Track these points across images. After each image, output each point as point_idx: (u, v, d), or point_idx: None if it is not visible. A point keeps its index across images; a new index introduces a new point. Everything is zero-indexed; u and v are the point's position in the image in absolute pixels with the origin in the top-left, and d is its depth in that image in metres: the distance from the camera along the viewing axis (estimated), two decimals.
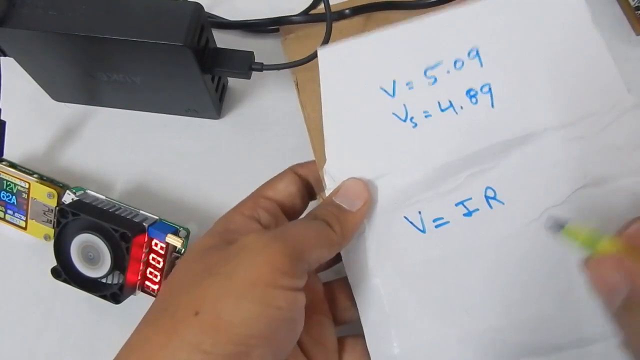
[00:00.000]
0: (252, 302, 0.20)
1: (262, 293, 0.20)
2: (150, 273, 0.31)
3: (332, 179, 0.27)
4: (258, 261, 0.21)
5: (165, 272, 0.31)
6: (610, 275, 0.17)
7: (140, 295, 0.31)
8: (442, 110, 0.27)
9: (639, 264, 0.17)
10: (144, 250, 0.30)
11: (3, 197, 0.34)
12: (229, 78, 0.38)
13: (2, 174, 0.33)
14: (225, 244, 0.23)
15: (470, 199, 0.26)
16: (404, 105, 0.27)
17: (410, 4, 0.37)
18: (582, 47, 0.27)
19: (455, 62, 0.27)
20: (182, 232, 0.31)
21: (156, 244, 0.30)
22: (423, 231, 0.26)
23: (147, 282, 0.31)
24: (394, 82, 0.27)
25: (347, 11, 0.37)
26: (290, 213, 0.28)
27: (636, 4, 0.38)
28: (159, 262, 0.31)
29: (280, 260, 0.21)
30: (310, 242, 0.23)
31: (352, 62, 0.28)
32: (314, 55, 0.33)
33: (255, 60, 0.34)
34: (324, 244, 0.23)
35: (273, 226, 0.26)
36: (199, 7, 0.31)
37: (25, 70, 0.35)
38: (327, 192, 0.27)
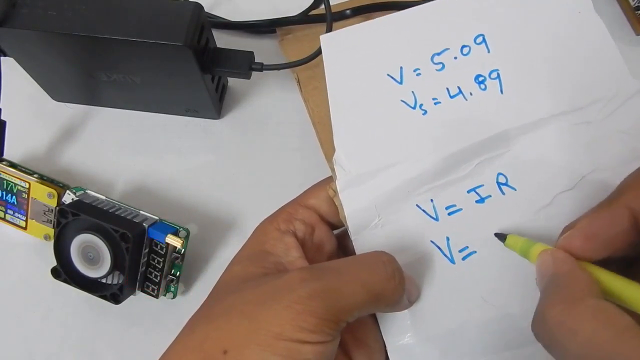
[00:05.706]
0: (275, 355, 0.20)
1: (285, 347, 0.20)
2: (150, 273, 0.31)
3: (342, 169, 0.26)
4: (283, 317, 0.20)
5: (165, 273, 0.31)
6: (547, 264, 0.22)
7: (140, 295, 0.31)
8: (452, 97, 0.27)
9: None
10: (144, 250, 0.30)
11: (3, 197, 0.34)
12: (229, 78, 0.38)
13: (2, 173, 0.33)
14: (262, 275, 0.23)
15: (483, 185, 0.26)
16: (413, 92, 0.27)
17: (410, 4, 0.37)
18: (585, 34, 0.27)
19: (462, 48, 0.27)
20: (182, 233, 0.31)
21: (156, 244, 0.30)
22: (436, 219, 0.26)
23: (147, 282, 0.31)
24: (401, 68, 0.27)
25: (347, 12, 0.37)
26: (332, 222, 0.27)
27: (636, 4, 0.38)
28: (159, 263, 0.31)
29: (307, 320, 0.20)
30: (356, 303, 0.21)
31: (357, 49, 0.27)
32: (314, 56, 0.33)
33: (255, 60, 0.34)
34: (370, 306, 0.22)
35: (309, 237, 0.26)
36: (199, 7, 0.31)
37: (25, 70, 0.35)
38: (338, 183, 0.26)
